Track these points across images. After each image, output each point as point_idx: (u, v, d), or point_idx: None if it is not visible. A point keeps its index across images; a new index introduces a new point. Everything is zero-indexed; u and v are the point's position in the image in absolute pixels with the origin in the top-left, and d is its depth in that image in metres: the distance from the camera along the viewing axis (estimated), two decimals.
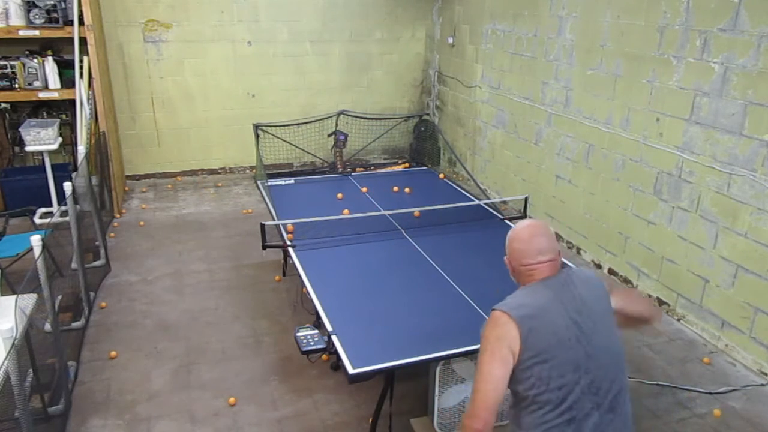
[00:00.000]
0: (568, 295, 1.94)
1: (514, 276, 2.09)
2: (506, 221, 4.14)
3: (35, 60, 5.53)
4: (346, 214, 4.07)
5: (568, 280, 1.99)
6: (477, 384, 1.85)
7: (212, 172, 7.21)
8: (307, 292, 3.16)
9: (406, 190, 4.70)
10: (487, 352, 1.87)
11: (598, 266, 4.94)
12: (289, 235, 3.81)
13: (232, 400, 3.33)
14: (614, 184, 4.67)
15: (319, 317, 2.93)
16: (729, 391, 3.47)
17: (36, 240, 2.95)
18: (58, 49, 5.85)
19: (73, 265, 4.14)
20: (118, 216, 5.88)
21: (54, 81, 5.58)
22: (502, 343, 1.85)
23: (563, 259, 2.21)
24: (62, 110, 6.09)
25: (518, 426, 1.92)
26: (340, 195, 4.57)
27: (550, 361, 1.84)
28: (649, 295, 4.41)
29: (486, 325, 1.93)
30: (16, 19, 5.38)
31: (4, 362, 2.34)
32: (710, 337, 3.95)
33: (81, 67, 5.40)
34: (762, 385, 3.53)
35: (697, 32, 3.82)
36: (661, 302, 4.33)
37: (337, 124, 5.59)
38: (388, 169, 5.43)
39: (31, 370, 3.11)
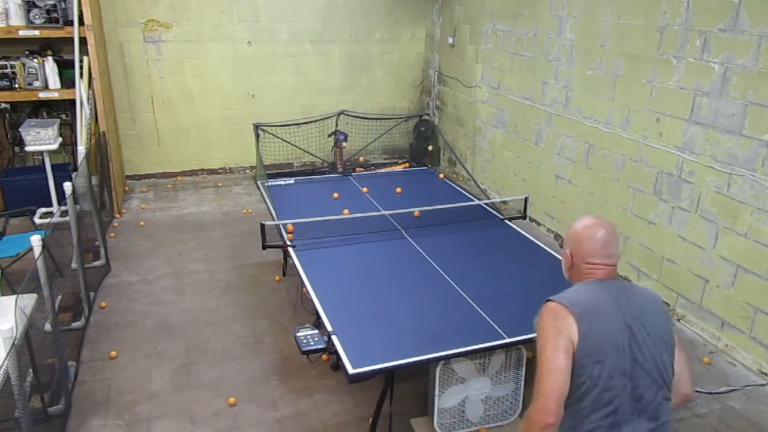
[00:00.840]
0: (625, 301, 1.92)
1: (570, 271, 2.06)
2: (506, 221, 4.14)
3: (35, 60, 5.53)
4: (346, 214, 4.07)
5: (627, 287, 1.99)
6: (543, 376, 1.81)
7: (212, 172, 7.21)
8: (307, 292, 3.16)
9: (398, 190, 4.70)
10: (549, 343, 1.83)
11: None
12: (289, 235, 3.81)
13: (232, 400, 3.33)
14: (614, 184, 4.67)
15: (319, 317, 2.93)
16: (729, 391, 3.47)
17: (36, 240, 2.95)
18: (58, 49, 5.85)
19: (73, 265, 4.14)
20: (118, 216, 5.88)
21: (54, 81, 5.58)
22: (563, 335, 1.83)
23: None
24: (62, 110, 6.09)
25: (559, 424, 1.89)
26: (336, 195, 4.56)
27: (604, 363, 1.83)
28: None
29: (543, 316, 1.90)
30: (16, 19, 5.38)
31: (4, 362, 2.34)
32: (710, 337, 3.95)
33: (81, 67, 5.40)
34: (762, 385, 3.53)
35: (697, 32, 3.82)
36: None
37: (337, 124, 5.58)
38: (388, 169, 5.43)
39: (31, 370, 3.11)
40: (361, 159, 4.61)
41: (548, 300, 1.93)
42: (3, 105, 5.83)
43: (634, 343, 1.87)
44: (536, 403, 1.81)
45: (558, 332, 1.84)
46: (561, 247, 2.07)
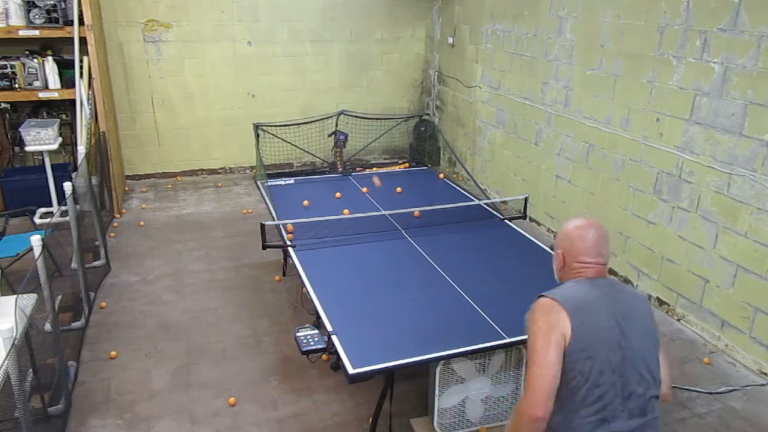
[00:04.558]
0: (615, 299, 1.96)
1: (561, 271, 2.10)
2: (506, 221, 4.14)
3: (35, 60, 5.53)
4: (346, 214, 4.07)
5: (616, 286, 2.03)
6: (534, 370, 1.83)
7: (212, 172, 7.21)
8: (307, 292, 3.16)
9: (398, 189, 4.70)
10: (541, 337, 1.86)
11: None
12: (289, 235, 3.81)
13: (232, 400, 3.33)
14: (614, 184, 4.67)
15: (319, 317, 2.93)
16: (729, 391, 3.47)
17: (36, 240, 2.95)
18: (58, 49, 5.85)
19: (73, 265, 4.14)
20: (118, 216, 5.88)
21: (54, 81, 5.58)
22: (555, 329, 1.85)
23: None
24: (62, 110, 6.09)
25: (549, 418, 1.90)
26: (338, 194, 4.57)
27: (594, 358, 1.85)
28: (649, 296, 4.41)
29: (534, 311, 1.93)
30: (16, 19, 5.38)
31: (4, 362, 2.34)
32: (710, 337, 3.95)
33: (81, 67, 5.40)
34: (762, 385, 3.53)
35: (697, 32, 3.82)
36: (661, 302, 4.33)
37: (337, 124, 5.58)
38: (388, 169, 5.43)
39: (31, 370, 3.11)
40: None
41: (540, 296, 1.96)
42: (3, 105, 5.83)
43: (624, 340, 1.90)
44: (526, 396, 1.84)
45: (550, 327, 1.86)
46: (551, 249, 2.11)
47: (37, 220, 5.30)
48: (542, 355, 1.83)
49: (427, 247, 3.69)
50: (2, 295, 3.28)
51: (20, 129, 5.34)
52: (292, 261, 3.56)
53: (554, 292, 1.94)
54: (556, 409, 1.88)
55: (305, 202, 4.36)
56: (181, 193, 6.62)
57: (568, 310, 1.87)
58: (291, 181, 4.97)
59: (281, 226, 3.88)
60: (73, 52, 5.38)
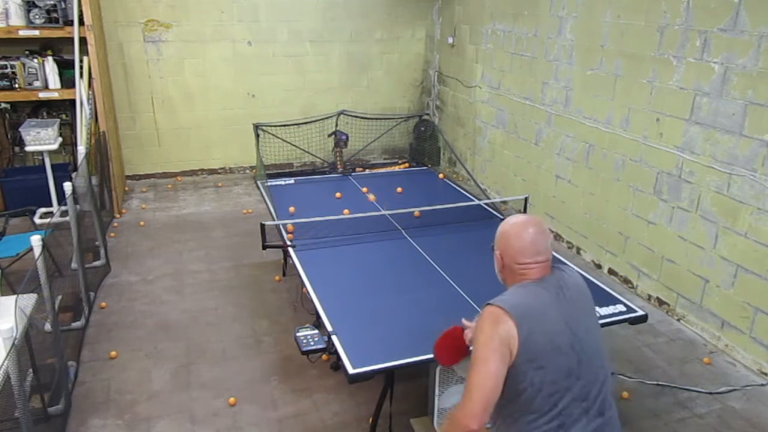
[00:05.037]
0: (563, 299, 1.89)
1: (503, 273, 2.02)
2: None
3: (35, 60, 5.53)
4: (346, 214, 4.07)
5: (561, 282, 1.94)
6: (475, 380, 1.75)
7: (212, 172, 7.21)
8: (307, 292, 3.16)
9: (398, 189, 4.70)
10: (486, 347, 1.78)
11: (598, 266, 4.94)
12: (289, 235, 3.81)
13: (232, 400, 3.33)
14: (614, 184, 4.67)
15: (319, 317, 2.93)
16: (729, 391, 3.47)
17: (36, 240, 2.95)
18: (58, 49, 5.85)
19: (73, 265, 4.14)
20: (118, 216, 5.88)
21: (54, 81, 5.58)
22: (501, 340, 1.78)
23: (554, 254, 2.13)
24: (62, 110, 6.08)
25: None
26: (338, 194, 4.57)
27: (546, 368, 1.79)
28: (649, 296, 4.42)
29: (481, 320, 1.86)
30: (16, 19, 5.38)
31: (4, 362, 2.34)
32: (710, 337, 3.95)
33: (81, 67, 5.40)
34: (762, 385, 3.53)
35: (697, 32, 3.82)
36: (661, 302, 4.33)
37: (337, 124, 5.58)
38: (388, 169, 5.43)
39: (31, 370, 3.11)
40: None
41: (488, 303, 1.88)
42: (3, 105, 5.83)
43: (576, 342, 1.84)
44: (463, 405, 1.76)
45: (496, 336, 1.78)
46: (492, 249, 2.04)
47: (37, 220, 5.30)
48: (484, 366, 1.75)
49: (427, 247, 3.69)
50: (2, 295, 3.28)
51: (20, 129, 5.33)
52: (292, 261, 3.56)
53: (501, 300, 1.86)
54: (509, 423, 1.83)
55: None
56: (181, 193, 6.62)
57: (516, 320, 1.79)
58: (291, 181, 4.97)
59: (281, 226, 3.88)
60: (73, 52, 5.37)
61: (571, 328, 1.85)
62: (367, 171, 5.33)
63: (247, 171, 7.27)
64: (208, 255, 5.10)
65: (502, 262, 1.99)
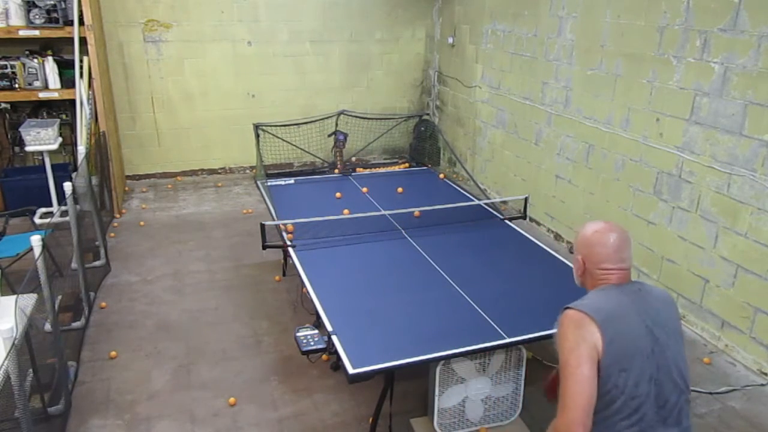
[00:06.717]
0: (644, 305, 1.89)
1: (582, 277, 2.03)
2: (506, 221, 4.14)
3: (35, 60, 5.53)
4: (346, 214, 4.07)
5: (643, 289, 1.95)
6: (572, 388, 1.74)
7: (212, 172, 7.21)
8: (307, 292, 3.16)
9: (398, 189, 4.70)
10: (574, 352, 1.77)
11: None
12: (289, 235, 3.81)
13: (232, 400, 3.33)
14: (614, 184, 4.67)
15: (319, 317, 2.93)
16: (729, 391, 3.47)
17: (36, 240, 2.95)
18: (58, 49, 5.85)
19: (73, 265, 4.14)
20: (118, 216, 5.88)
21: (54, 81, 5.58)
22: (587, 343, 1.78)
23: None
24: (62, 110, 6.08)
25: None
26: (338, 194, 4.57)
27: (629, 371, 1.79)
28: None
29: (563, 325, 1.85)
30: (16, 19, 5.38)
31: (4, 362, 2.34)
32: (710, 337, 3.95)
33: (81, 67, 5.40)
34: (762, 385, 3.53)
35: (697, 32, 3.81)
36: None
37: (337, 124, 5.58)
38: (388, 169, 5.43)
39: (31, 370, 3.11)
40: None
41: (567, 308, 1.87)
42: (3, 105, 5.83)
43: (657, 348, 1.84)
44: (564, 415, 1.75)
45: (582, 341, 1.78)
46: (571, 252, 2.05)
47: (37, 220, 5.30)
48: (577, 371, 1.75)
49: (427, 247, 3.69)
50: (2, 295, 3.27)
51: (20, 129, 5.33)
52: (292, 261, 3.56)
53: (582, 304, 1.86)
54: (593, 423, 1.81)
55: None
56: (181, 193, 6.62)
57: (599, 323, 1.79)
58: (291, 181, 4.97)
59: (281, 226, 3.88)
60: (73, 52, 5.37)
61: (652, 332, 1.85)
62: (367, 171, 5.33)
63: (247, 171, 7.27)
64: (208, 255, 5.10)
65: (584, 267, 2.00)
